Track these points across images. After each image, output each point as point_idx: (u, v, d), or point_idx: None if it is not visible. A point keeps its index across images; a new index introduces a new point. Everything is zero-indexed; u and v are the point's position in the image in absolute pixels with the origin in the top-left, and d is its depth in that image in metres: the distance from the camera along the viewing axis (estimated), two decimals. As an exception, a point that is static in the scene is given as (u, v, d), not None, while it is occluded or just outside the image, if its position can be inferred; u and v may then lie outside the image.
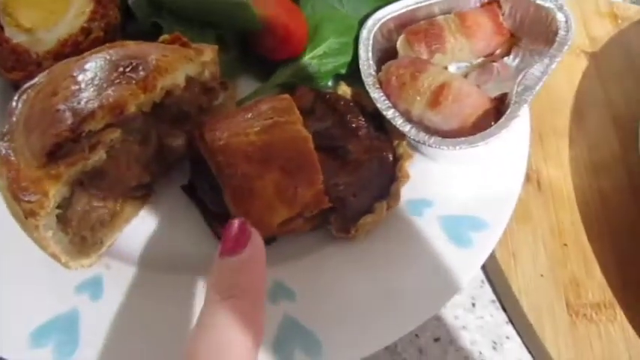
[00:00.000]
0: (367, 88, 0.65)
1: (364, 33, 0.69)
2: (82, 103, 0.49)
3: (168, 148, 0.59)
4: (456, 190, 0.61)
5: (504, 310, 0.63)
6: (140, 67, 0.53)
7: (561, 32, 0.64)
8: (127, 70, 0.52)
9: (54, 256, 0.51)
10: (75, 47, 0.61)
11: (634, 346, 0.59)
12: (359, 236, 0.58)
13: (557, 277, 0.62)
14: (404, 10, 0.69)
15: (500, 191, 0.61)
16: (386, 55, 0.70)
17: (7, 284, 0.52)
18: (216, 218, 0.58)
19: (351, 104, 0.66)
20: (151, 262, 0.57)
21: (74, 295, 0.53)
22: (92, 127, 0.49)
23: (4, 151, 0.50)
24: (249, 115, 0.57)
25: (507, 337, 0.62)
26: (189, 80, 0.58)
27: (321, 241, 0.59)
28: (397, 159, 0.62)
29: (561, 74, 0.76)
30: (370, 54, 0.67)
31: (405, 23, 0.70)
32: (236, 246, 0.42)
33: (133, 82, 0.51)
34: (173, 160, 0.60)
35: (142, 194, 0.59)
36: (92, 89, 0.50)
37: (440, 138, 0.60)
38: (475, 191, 0.61)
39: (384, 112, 0.63)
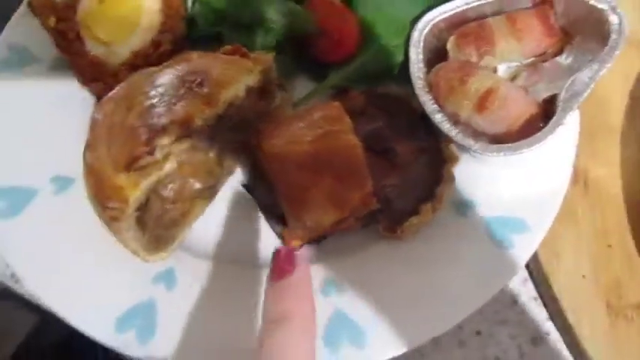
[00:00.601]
0: (416, 90, 0.67)
1: (415, 35, 0.70)
2: (155, 118, 0.55)
3: (230, 153, 0.65)
4: (499, 192, 0.64)
5: (546, 307, 0.66)
6: (204, 83, 0.58)
7: (613, 36, 0.64)
8: (193, 85, 0.58)
9: (134, 252, 0.58)
10: (146, 59, 0.66)
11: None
12: (405, 236, 0.62)
13: (600, 278, 0.64)
14: (455, 11, 0.70)
15: (544, 193, 0.63)
16: (436, 55, 0.71)
17: (96, 277, 0.60)
18: (273, 216, 0.63)
19: (401, 105, 0.69)
20: (216, 255, 0.64)
21: (151, 285, 0.61)
22: (164, 141, 0.55)
23: (90, 161, 0.57)
24: (303, 124, 0.61)
25: (547, 334, 0.65)
26: (249, 90, 0.63)
27: (369, 239, 0.64)
28: (444, 161, 0.65)
29: (617, 67, 0.75)
30: (420, 56, 0.69)
31: (456, 23, 0.71)
32: (283, 272, 0.48)
33: (199, 97, 0.57)
34: (234, 163, 0.66)
35: (208, 194, 0.65)
36: (163, 105, 0.56)
37: (485, 144, 0.62)
38: (519, 193, 0.63)
39: (432, 116, 0.65)
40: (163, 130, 0.55)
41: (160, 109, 0.56)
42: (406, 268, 0.62)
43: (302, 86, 0.74)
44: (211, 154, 0.63)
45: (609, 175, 0.70)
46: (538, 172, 0.64)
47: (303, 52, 0.73)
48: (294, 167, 0.58)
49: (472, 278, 0.60)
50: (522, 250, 0.61)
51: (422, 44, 0.70)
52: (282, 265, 0.48)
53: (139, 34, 0.67)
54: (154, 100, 0.57)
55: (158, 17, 0.67)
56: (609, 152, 0.72)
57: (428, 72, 0.69)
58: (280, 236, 0.63)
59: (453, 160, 0.65)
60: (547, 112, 0.64)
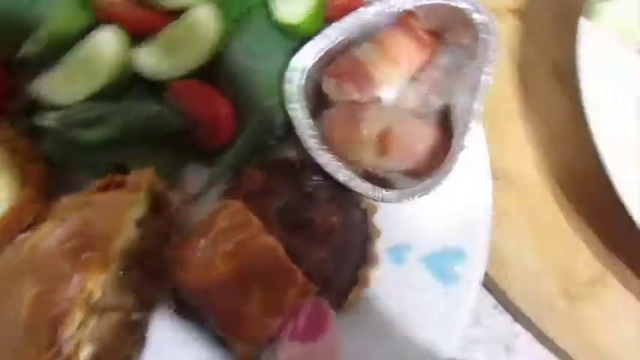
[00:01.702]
0: (311, 153, 0.63)
1: (293, 89, 0.66)
2: (51, 309, 0.49)
3: (147, 291, 0.59)
4: (429, 227, 0.62)
5: (508, 311, 0.66)
6: (89, 244, 0.52)
7: (482, 35, 0.62)
8: (78, 252, 0.52)
9: None
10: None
11: (632, 309, 0.63)
12: (352, 306, 0.59)
13: (547, 269, 0.65)
14: (321, 53, 0.66)
15: (471, 214, 0.62)
16: (318, 101, 0.67)
17: None
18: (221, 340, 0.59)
19: (303, 166, 0.65)
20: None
21: None
22: (68, 333, 0.49)
23: None
24: (210, 241, 0.56)
25: (516, 337, 0.65)
26: (140, 222, 0.57)
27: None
28: (365, 213, 0.63)
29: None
30: (304, 111, 0.65)
31: (326, 63, 0.67)
32: (310, 332, 0.37)
33: (89, 265, 0.51)
34: (154, 298, 0.60)
35: (141, 338, 0.60)
36: (52, 290, 0.50)
37: (398, 191, 0.60)
38: (447, 222, 0.62)
39: (336, 176, 0.62)
40: (62, 321, 0.49)
41: (51, 296, 0.50)
42: (364, 338, 0.59)
43: (195, 174, 0.68)
44: (127, 306, 0.57)
45: (522, 161, 0.70)
46: (459, 195, 0.63)
47: (184, 144, 0.68)
48: (218, 295, 0.54)
49: (432, 325, 0.59)
50: (470, 278, 0.60)
51: (302, 98, 0.66)
52: (308, 324, 0.38)
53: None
54: (43, 287, 0.50)
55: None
56: (517, 137, 0.71)
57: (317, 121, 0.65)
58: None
59: (372, 210, 0.62)
60: (445, 127, 0.62)
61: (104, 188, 0.58)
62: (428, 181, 0.59)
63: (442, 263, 0.61)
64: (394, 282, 0.61)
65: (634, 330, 0.62)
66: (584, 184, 0.68)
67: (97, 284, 0.51)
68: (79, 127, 0.62)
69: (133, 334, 0.59)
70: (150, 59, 0.65)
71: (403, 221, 0.63)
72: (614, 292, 0.64)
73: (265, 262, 0.55)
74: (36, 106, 0.64)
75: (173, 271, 0.56)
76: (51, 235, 0.53)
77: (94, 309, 0.52)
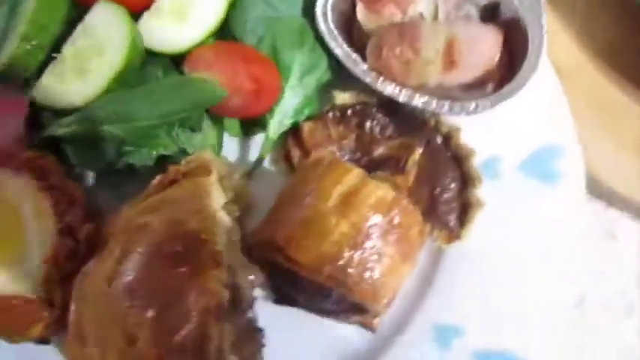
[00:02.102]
0: (374, 87, 0.57)
1: (329, 27, 0.59)
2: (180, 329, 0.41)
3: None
4: (516, 133, 0.58)
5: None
6: (190, 246, 0.43)
7: None
8: (184, 256, 0.43)
9: None
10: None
11: None
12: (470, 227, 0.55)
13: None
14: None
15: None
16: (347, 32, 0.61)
17: None
18: (341, 312, 0.52)
19: (362, 110, 0.59)
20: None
21: None
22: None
23: None
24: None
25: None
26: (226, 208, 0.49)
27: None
28: (446, 137, 0.58)
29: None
30: (344, 46, 0.59)
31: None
32: None
33: (199, 268, 0.43)
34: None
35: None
36: (176, 305, 0.41)
37: (487, 99, 0.55)
38: (531, 123, 0.57)
39: (411, 102, 0.56)
40: (206, 336, 0.40)
41: (171, 314, 0.41)
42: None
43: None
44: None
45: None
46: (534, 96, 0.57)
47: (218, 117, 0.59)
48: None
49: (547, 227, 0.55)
50: (573, 171, 0.57)
51: (335, 32, 0.59)
52: None
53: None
54: (156, 308, 0.41)
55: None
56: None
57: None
58: (362, 324, 0.53)
59: (455, 132, 0.57)
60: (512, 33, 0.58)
61: (170, 183, 0.49)
62: (507, 86, 0.55)
63: (541, 163, 0.57)
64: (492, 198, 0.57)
65: None
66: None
67: (218, 282, 0.43)
68: (107, 124, 0.52)
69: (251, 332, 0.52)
70: (163, 30, 0.56)
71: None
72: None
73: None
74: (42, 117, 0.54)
75: (290, 251, 0.48)
76: (132, 252, 0.44)
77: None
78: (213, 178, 0.49)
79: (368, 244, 0.47)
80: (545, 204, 0.56)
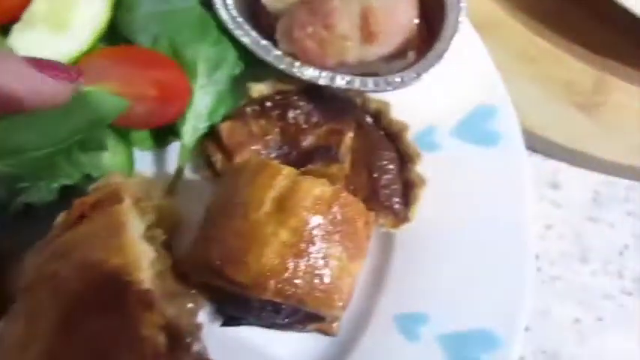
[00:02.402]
0: (291, 73, 0.52)
1: (232, 13, 0.53)
2: None
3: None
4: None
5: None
6: (112, 295, 0.38)
7: None
8: (107, 316, 0.37)
9: None
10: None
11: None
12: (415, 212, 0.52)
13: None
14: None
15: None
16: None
17: None
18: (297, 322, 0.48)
19: (281, 99, 0.54)
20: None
21: None
22: None
23: None
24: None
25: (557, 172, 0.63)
26: (147, 236, 0.43)
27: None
28: (376, 115, 0.54)
29: None
30: (252, 33, 0.53)
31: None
32: None
33: (130, 320, 0.37)
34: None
35: None
36: None
37: (412, 70, 0.51)
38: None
39: (334, 84, 0.52)
40: None
41: None
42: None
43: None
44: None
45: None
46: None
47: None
48: (295, 271, 0.43)
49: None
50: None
51: (242, 18, 0.54)
52: None
53: None
54: None
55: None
56: None
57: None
58: (321, 331, 0.49)
59: (385, 107, 0.54)
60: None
61: (78, 219, 0.43)
62: (430, 53, 0.51)
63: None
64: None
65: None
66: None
67: (152, 327, 0.37)
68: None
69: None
70: (39, 44, 0.48)
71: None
72: (620, 89, 0.63)
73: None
74: None
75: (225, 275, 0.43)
76: (49, 307, 0.38)
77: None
78: (127, 204, 0.43)
79: (312, 249, 0.43)
80: (487, 167, 0.54)
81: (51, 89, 0.40)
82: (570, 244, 0.61)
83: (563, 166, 0.63)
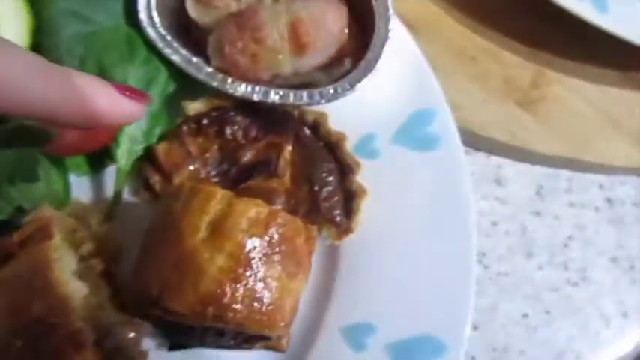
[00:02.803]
0: (224, 90, 0.52)
1: (152, 34, 0.52)
2: None
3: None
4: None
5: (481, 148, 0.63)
6: (40, 341, 0.37)
7: None
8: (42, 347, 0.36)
9: None
10: None
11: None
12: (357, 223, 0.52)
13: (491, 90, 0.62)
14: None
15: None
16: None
17: None
18: (239, 342, 0.48)
19: (217, 116, 0.54)
20: None
21: None
22: None
23: None
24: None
25: (499, 167, 0.63)
26: (80, 271, 0.42)
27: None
28: (314, 126, 0.54)
29: None
30: (182, 51, 0.52)
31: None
32: None
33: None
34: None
35: None
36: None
37: (346, 81, 0.51)
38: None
39: (268, 99, 0.51)
40: None
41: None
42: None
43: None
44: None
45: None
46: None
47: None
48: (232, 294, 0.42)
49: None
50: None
51: (170, 36, 0.52)
52: None
53: None
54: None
55: None
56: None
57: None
58: (269, 347, 0.49)
59: (323, 117, 0.53)
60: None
61: (5, 259, 0.41)
62: (363, 62, 0.51)
63: (414, 132, 0.54)
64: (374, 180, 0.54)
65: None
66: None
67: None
68: None
69: None
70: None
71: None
72: (558, 82, 0.64)
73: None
74: None
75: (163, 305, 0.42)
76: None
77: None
78: (56, 240, 0.42)
79: (250, 272, 0.43)
80: (427, 172, 0.54)
81: (129, 109, 0.41)
82: (516, 238, 0.61)
83: (506, 162, 0.64)
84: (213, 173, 0.53)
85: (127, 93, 0.42)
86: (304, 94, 0.51)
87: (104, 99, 0.40)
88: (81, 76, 0.40)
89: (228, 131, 0.53)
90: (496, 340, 0.58)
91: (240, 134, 0.54)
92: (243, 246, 0.43)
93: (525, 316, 0.59)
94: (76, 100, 0.38)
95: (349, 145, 0.53)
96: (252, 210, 0.44)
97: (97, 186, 0.54)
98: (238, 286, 0.42)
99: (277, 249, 0.44)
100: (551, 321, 0.59)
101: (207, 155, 0.53)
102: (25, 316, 0.37)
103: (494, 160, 0.64)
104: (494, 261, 0.60)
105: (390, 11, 0.51)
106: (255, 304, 0.43)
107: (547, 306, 0.59)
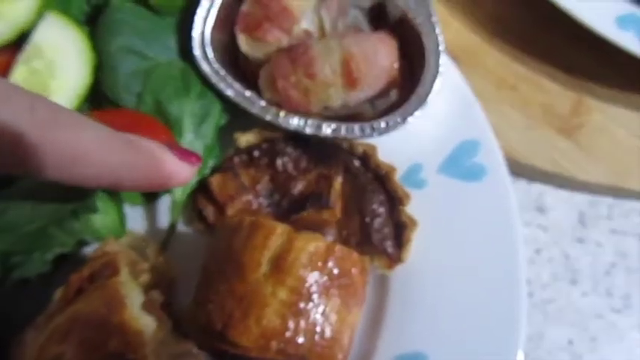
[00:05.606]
0: (277, 124, 0.53)
1: (206, 69, 0.54)
2: None
3: None
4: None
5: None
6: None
7: None
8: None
9: None
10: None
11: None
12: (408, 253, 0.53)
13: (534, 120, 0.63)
14: (215, 13, 0.54)
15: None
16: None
17: None
18: None
19: (268, 148, 0.55)
20: None
21: None
22: None
23: None
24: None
25: (541, 195, 0.64)
26: (146, 305, 0.44)
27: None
28: (363, 158, 0.55)
29: None
30: (235, 85, 0.54)
31: (225, 23, 0.55)
32: None
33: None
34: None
35: None
36: None
37: (397, 115, 0.52)
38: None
39: (321, 133, 0.53)
40: None
41: None
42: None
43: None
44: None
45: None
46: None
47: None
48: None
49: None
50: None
51: (224, 71, 0.54)
52: None
53: None
54: None
55: None
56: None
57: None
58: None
59: (372, 150, 0.54)
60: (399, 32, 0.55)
61: (76, 293, 0.43)
62: (414, 97, 0.52)
63: (460, 162, 0.55)
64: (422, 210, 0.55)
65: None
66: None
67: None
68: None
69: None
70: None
71: (403, 146, 0.55)
72: (598, 110, 0.64)
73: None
74: None
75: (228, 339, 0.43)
76: None
77: None
78: (124, 276, 0.43)
79: (311, 305, 0.44)
80: (475, 202, 0.55)
81: (188, 172, 0.45)
82: (560, 266, 0.62)
83: (548, 189, 0.64)
84: (265, 204, 0.54)
85: (184, 156, 0.44)
86: (356, 127, 0.52)
87: (168, 166, 0.42)
88: (145, 143, 0.41)
89: (279, 162, 0.55)
90: (543, 368, 0.58)
91: (290, 165, 0.55)
92: (305, 280, 0.44)
93: (571, 342, 0.59)
94: (142, 170, 0.40)
95: (397, 175, 0.54)
96: (311, 244, 0.45)
97: (150, 216, 0.56)
98: (300, 320, 0.43)
99: (336, 282, 0.45)
100: (597, 348, 0.59)
101: (259, 186, 0.54)
102: (102, 351, 0.38)
103: (536, 187, 0.64)
104: (538, 288, 0.61)
105: (441, 47, 0.52)
106: (317, 337, 0.44)
107: (592, 333, 0.60)
